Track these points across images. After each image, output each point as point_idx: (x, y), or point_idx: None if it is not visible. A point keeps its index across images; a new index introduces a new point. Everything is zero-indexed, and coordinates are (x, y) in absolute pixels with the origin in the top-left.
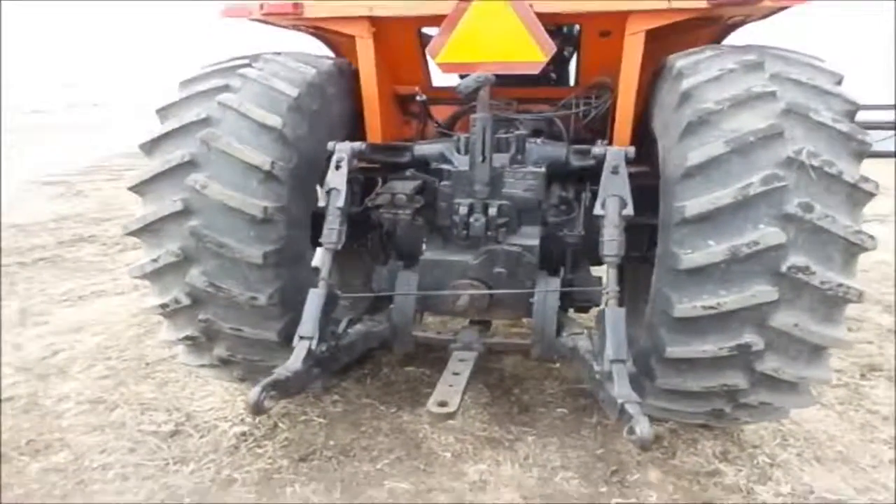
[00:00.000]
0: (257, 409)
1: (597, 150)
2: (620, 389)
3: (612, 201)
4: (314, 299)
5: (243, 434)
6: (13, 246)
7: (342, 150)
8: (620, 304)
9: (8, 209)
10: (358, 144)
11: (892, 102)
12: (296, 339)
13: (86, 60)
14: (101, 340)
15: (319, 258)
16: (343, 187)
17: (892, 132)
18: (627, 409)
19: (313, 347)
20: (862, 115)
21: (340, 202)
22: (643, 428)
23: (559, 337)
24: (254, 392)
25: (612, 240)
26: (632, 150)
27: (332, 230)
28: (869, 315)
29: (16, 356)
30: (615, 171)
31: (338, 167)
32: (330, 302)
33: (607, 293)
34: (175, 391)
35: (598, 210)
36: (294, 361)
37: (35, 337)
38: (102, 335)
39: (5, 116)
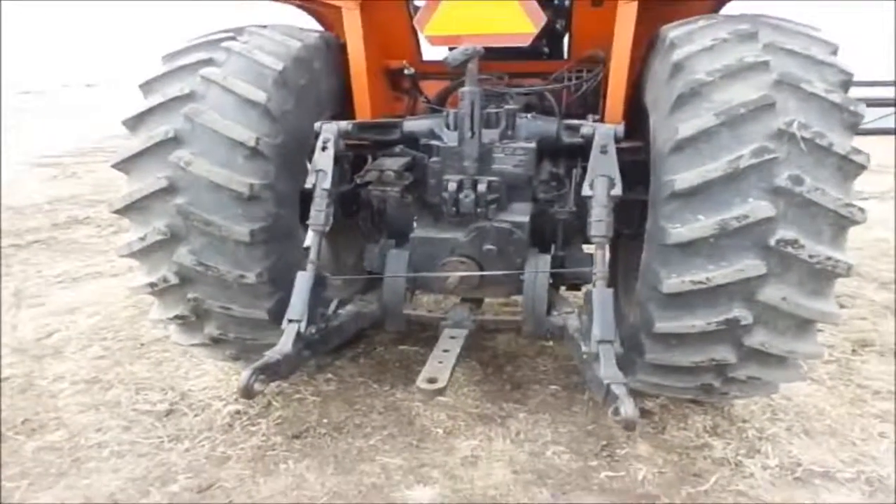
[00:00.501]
0: (247, 392)
1: (585, 129)
2: (607, 370)
3: (601, 181)
4: (302, 282)
5: (237, 412)
6: (8, 228)
7: (329, 130)
8: (609, 285)
9: (2, 191)
10: (345, 124)
11: (893, 78)
12: (285, 321)
13: (78, 39)
14: (97, 321)
15: (311, 217)
16: (330, 168)
17: (892, 108)
18: (613, 390)
19: (302, 330)
20: (862, 91)
21: (327, 184)
22: (628, 409)
23: (549, 315)
24: (244, 376)
25: (599, 220)
26: (621, 128)
27: (320, 212)
28: (863, 292)
29: (11, 337)
30: (604, 151)
31: (324, 148)
32: (318, 284)
33: (595, 273)
34: (170, 371)
35: (586, 190)
36: (284, 344)
37: (30, 318)
38: (97, 316)
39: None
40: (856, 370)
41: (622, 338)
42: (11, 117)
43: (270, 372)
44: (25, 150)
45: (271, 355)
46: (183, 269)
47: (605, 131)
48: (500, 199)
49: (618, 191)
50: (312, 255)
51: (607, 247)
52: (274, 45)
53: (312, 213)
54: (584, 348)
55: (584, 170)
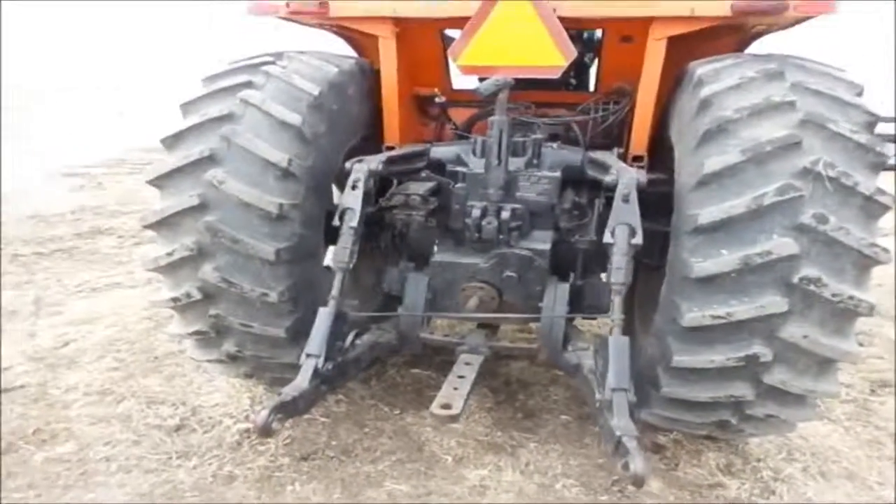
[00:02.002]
0: (266, 432)
1: (608, 177)
2: (619, 421)
3: (622, 229)
4: (323, 318)
5: (247, 431)
6: (33, 236)
7: (359, 170)
8: (625, 333)
9: (29, 200)
10: (375, 164)
11: (894, 115)
12: (303, 357)
13: (108, 40)
14: (113, 332)
15: (331, 259)
16: (359, 208)
17: (893, 144)
18: (624, 443)
19: (320, 366)
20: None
21: (355, 222)
22: (638, 464)
23: (565, 350)
24: (262, 415)
25: (619, 268)
26: (643, 176)
27: (345, 249)
28: (881, 330)
29: (29, 345)
30: (626, 200)
31: (354, 187)
32: (339, 319)
33: (612, 321)
34: (182, 385)
35: (607, 237)
36: (301, 381)
37: (48, 327)
38: (114, 327)
39: (29, 96)
40: (874, 411)
41: (638, 369)
42: (42, 120)
43: (288, 410)
44: (55, 159)
45: (288, 392)
46: (207, 286)
47: (628, 180)
48: (523, 227)
49: (638, 240)
50: (335, 290)
51: (624, 293)
52: (311, 69)
53: (338, 249)
54: (597, 395)
55: (608, 200)
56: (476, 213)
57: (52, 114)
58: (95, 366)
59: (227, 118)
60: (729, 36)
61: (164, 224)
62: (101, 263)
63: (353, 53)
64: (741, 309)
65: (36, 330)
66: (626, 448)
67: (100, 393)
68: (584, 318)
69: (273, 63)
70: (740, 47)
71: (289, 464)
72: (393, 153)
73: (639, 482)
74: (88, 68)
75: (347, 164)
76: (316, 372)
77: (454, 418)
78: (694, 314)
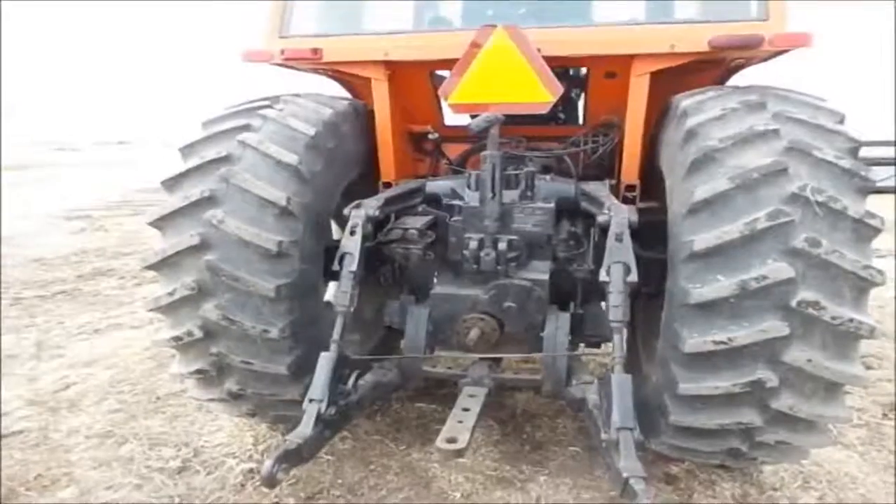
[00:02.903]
0: (271, 482)
1: (601, 217)
2: (626, 462)
3: (617, 268)
4: (325, 362)
5: (251, 471)
6: (34, 279)
7: (357, 216)
8: (628, 364)
9: (31, 243)
10: (372, 208)
11: (894, 139)
12: (305, 402)
13: (112, 99)
14: (114, 374)
15: (331, 294)
16: (357, 252)
17: (893, 167)
18: (632, 485)
19: (323, 411)
20: (864, 152)
21: (354, 266)
22: None
23: (569, 385)
24: (266, 466)
25: (616, 306)
26: (635, 216)
27: (345, 293)
28: (888, 352)
29: (29, 389)
30: (619, 239)
31: (352, 232)
32: (341, 363)
33: (613, 359)
34: (184, 426)
35: (603, 276)
36: (304, 427)
37: (49, 370)
38: (115, 368)
39: (31, 152)
40: (887, 435)
41: (643, 398)
42: (44, 171)
43: (292, 458)
44: (56, 204)
45: (292, 440)
46: (208, 324)
47: (620, 220)
48: (520, 257)
49: (633, 277)
50: (336, 334)
51: (624, 331)
52: (307, 112)
53: (338, 293)
54: (603, 435)
55: (602, 231)
56: (473, 244)
57: (53, 161)
58: (97, 408)
59: (225, 160)
60: (710, 70)
61: (165, 264)
62: (102, 305)
63: (347, 95)
64: (742, 334)
65: (37, 374)
66: (634, 491)
67: (101, 436)
68: (586, 353)
69: (269, 106)
70: (722, 80)
71: None
72: (389, 193)
73: None
74: (95, 125)
75: (346, 210)
76: (319, 417)
77: (460, 453)
78: (695, 340)
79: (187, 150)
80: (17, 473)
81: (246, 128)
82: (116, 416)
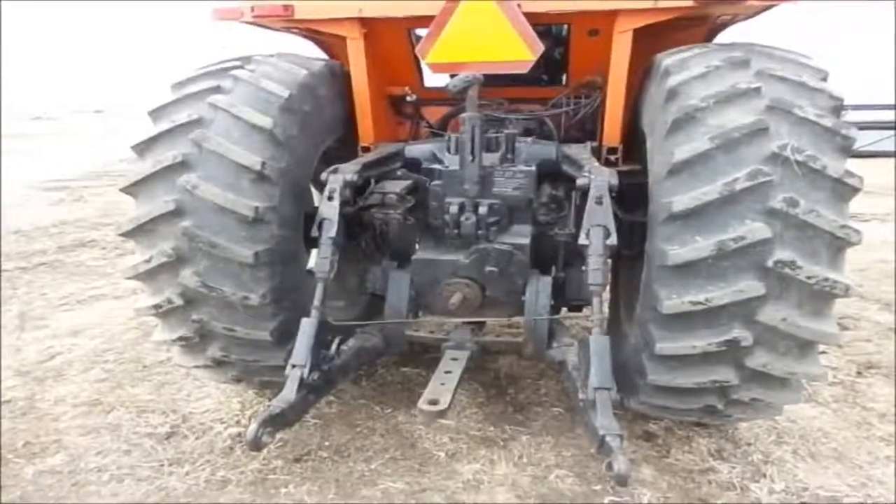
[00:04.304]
0: (256, 446)
1: (581, 181)
2: (603, 420)
3: (596, 231)
4: (306, 328)
5: (238, 435)
6: (15, 251)
7: (335, 181)
8: (609, 327)
9: (10, 214)
10: (350, 174)
11: (893, 102)
12: (288, 367)
13: (88, 66)
14: (99, 343)
15: (314, 264)
16: (336, 218)
17: (892, 131)
18: (608, 443)
19: (305, 376)
20: (862, 115)
21: (333, 233)
22: (622, 465)
23: (550, 347)
24: (251, 430)
25: (596, 269)
26: (615, 179)
27: (325, 259)
28: (867, 314)
29: (15, 359)
30: (599, 202)
31: (330, 198)
32: (322, 329)
33: (592, 321)
34: (171, 393)
35: (582, 240)
36: (288, 392)
37: (34, 340)
38: (100, 338)
39: (8, 122)
40: (861, 392)
41: (623, 359)
42: (21, 142)
43: (277, 422)
44: (33, 175)
45: (276, 405)
46: (187, 291)
47: (600, 183)
48: (501, 222)
49: (613, 241)
50: (316, 301)
51: (603, 294)
52: (280, 73)
53: (318, 260)
54: (581, 395)
55: (583, 194)
56: (454, 209)
57: (29, 131)
58: (83, 377)
59: (197, 123)
60: (695, 27)
61: (141, 231)
62: (85, 276)
63: (322, 56)
64: (718, 294)
65: (21, 344)
66: (610, 447)
67: (89, 404)
68: (566, 316)
69: (241, 67)
70: (707, 38)
71: (282, 466)
72: (367, 158)
73: (622, 481)
74: (71, 93)
75: (323, 175)
76: (302, 382)
77: (442, 413)
78: (673, 301)
79: (157, 113)
80: (6, 441)
81: (216, 89)
82: (103, 384)
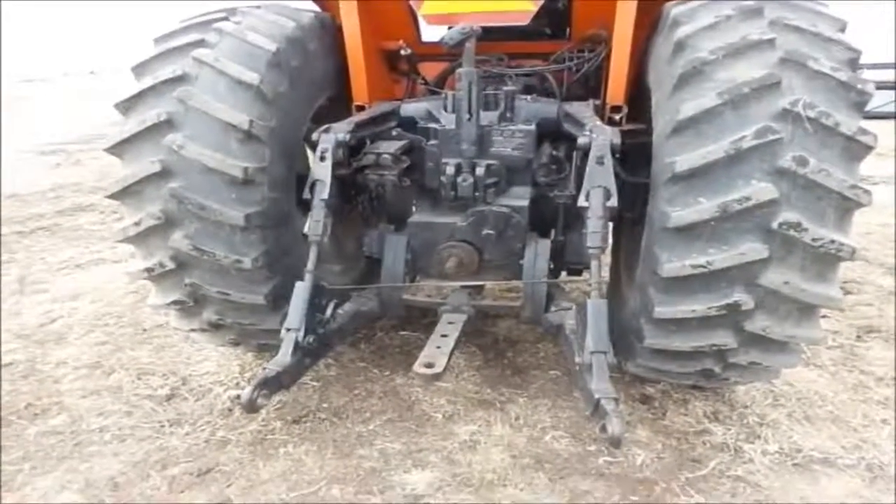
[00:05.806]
0: (251, 407)
1: (582, 139)
2: (598, 384)
3: (597, 192)
4: (300, 292)
5: (238, 397)
6: (12, 215)
7: (326, 140)
8: (604, 297)
9: (6, 179)
10: (342, 132)
11: (894, 60)
12: (283, 331)
13: (80, 26)
14: (99, 307)
15: (308, 227)
16: (328, 179)
17: (893, 91)
18: (603, 406)
19: (300, 340)
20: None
21: (325, 194)
22: (616, 427)
23: (547, 311)
24: (246, 392)
25: (595, 231)
26: (617, 138)
27: (318, 222)
28: (870, 277)
29: (15, 323)
30: (600, 162)
31: (322, 158)
32: (316, 293)
33: (590, 284)
34: (171, 356)
35: (581, 201)
36: (283, 355)
37: (34, 304)
38: (100, 302)
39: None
40: (860, 356)
41: (622, 322)
42: (14, 105)
43: (272, 385)
44: (29, 139)
45: (271, 368)
46: (179, 254)
47: (601, 143)
48: (499, 183)
49: (613, 202)
50: (310, 264)
51: (602, 257)
52: (267, 25)
53: (310, 222)
54: (577, 358)
55: (584, 153)
56: (450, 170)
57: (24, 95)
58: (84, 340)
59: (181, 79)
60: None
61: (128, 193)
62: (83, 240)
63: (312, 7)
64: (720, 257)
65: (21, 308)
66: (605, 410)
67: (89, 367)
68: (564, 280)
69: (226, 19)
70: None
71: (281, 427)
72: (361, 117)
73: (616, 443)
74: (63, 55)
75: (314, 135)
76: (297, 346)
77: (438, 376)
78: (673, 264)
79: (140, 68)
80: (8, 403)
81: (200, 43)
82: (103, 347)
